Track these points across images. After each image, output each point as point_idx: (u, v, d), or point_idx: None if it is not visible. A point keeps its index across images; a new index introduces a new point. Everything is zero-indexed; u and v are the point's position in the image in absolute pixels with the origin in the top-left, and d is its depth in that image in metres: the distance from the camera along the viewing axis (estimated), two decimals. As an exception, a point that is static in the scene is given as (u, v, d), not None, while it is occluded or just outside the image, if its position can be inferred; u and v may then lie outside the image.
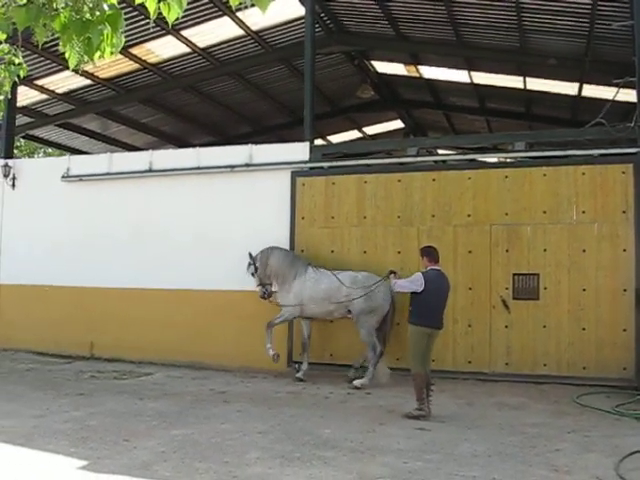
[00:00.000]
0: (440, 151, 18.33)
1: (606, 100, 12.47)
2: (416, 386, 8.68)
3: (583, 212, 11.21)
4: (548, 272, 11.28)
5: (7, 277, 14.97)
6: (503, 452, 6.93)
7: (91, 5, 3.62)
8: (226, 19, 15.22)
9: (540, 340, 11.18)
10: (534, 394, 10.20)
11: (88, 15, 3.63)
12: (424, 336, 8.71)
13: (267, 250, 11.76)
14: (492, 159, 13.79)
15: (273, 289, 11.69)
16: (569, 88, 16.99)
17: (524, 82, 17.33)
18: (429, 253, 9.06)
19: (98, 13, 3.61)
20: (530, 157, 12.01)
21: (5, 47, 5.00)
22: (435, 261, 8.96)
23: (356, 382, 10.77)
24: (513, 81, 17.61)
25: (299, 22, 15.65)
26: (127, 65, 17.26)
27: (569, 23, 13.41)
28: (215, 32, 16.04)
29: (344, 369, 11.53)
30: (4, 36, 4.75)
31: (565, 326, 11.10)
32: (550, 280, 11.25)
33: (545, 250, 11.32)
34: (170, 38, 15.88)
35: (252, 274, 11.80)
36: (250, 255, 11.78)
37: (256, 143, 13.55)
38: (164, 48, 16.59)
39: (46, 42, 4.18)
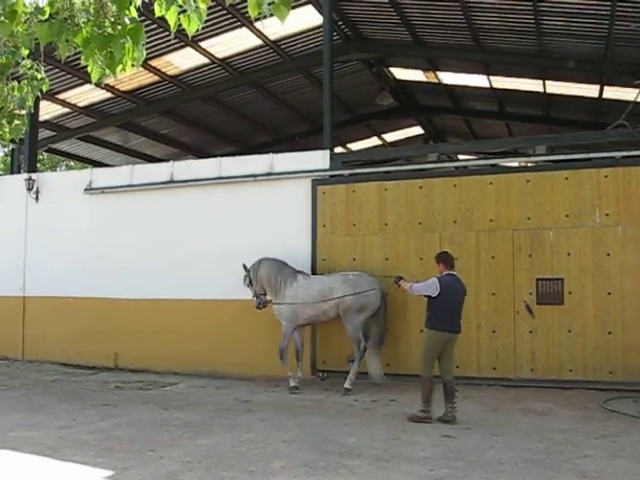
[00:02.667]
0: (461, 156, 18.24)
1: (628, 102, 12.37)
2: (423, 389, 8.77)
3: (607, 215, 11.10)
4: (572, 276, 11.18)
5: (32, 289, 15.12)
6: (530, 459, 6.87)
7: (112, 19, 3.66)
8: (244, 30, 15.32)
9: (565, 345, 11.08)
10: (560, 400, 10.10)
11: (110, 29, 3.67)
12: (440, 341, 8.75)
13: (258, 261, 11.94)
14: (513, 163, 13.69)
15: (268, 299, 11.84)
16: (589, 90, 16.89)
17: (544, 85, 17.24)
18: (444, 259, 9.12)
19: (120, 27, 3.65)
20: (552, 161, 11.92)
21: (28, 62, 5.06)
22: (451, 266, 9.04)
23: (345, 385, 10.90)
24: (532, 84, 17.53)
25: (317, 31, 15.73)
26: (147, 77, 17.43)
27: (588, 25, 13.32)
28: (233, 43, 16.15)
29: (365, 377, 11.47)
30: (27, 52, 4.80)
31: (591, 330, 10.99)
32: (574, 284, 11.15)
33: (569, 254, 11.22)
34: (189, 50, 16.02)
35: (247, 285, 11.99)
36: (244, 267, 11.94)
37: (276, 152, 13.59)
38: (183, 60, 16.74)
39: (68, 56, 4.23)
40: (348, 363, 11.50)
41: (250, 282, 11.89)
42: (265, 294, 11.82)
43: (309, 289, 11.48)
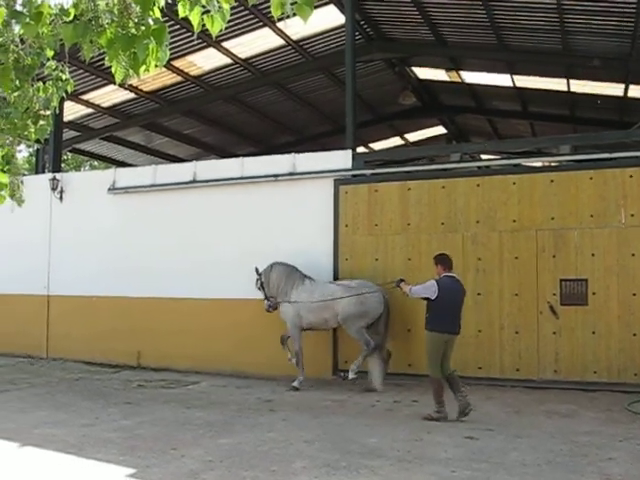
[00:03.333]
0: (483, 156, 18.15)
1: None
2: (434, 390, 8.88)
3: (632, 215, 10.98)
4: (597, 277, 11.07)
5: (56, 288, 15.26)
6: (553, 461, 6.81)
7: (136, 20, 3.67)
8: (266, 30, 15.34)
9: (589, 346, 10.97)
10: (584, 402, 10.00)
11: (134, 30, 3.68)
12: (441, 342, 8.87)
13: (270, 265, 12.09)
14: (537, 163, 13.58)
15: (278, 301, 11.96)
16: (615, 89, 16.71)
17: (568, 84, 17.09)
18: (442, 260, 9.26)
19: (143, 28, 3.66)
20: (576, 160, 11.82)
21: (52, 63, 5.10)
22: (449, 268, 9.16)
23: (350, 375, 11.05)
24: (556, 83, 17.39)
25: (339, 30, 15.71)
26: (170, 78, 17.52)
27: (613, 23, 13.18)
28: (256, 43, 16.19)
29: (390, 377, 11.45)
30: (51, 53, 4.84)
31: (615, 332, 10.88)
32: (599, 285, 11.04)
33: (593, 255, 11.12)
34: (212, 50, 16.09)
35: (258, 288, 12.13)
36: (257, 270, 12.08)
37: (298, 152, 13.59)
38: (206, 60, 16.81)
39: (91, 57, 4.26)
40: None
41: (262, 285, 12.05)
42: (275, 297, 11.94)
43: (312, 294, 11.61)
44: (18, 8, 4.21)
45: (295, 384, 11.41)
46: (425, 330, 9.03)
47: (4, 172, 5.32)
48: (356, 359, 11.21)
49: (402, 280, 9.77)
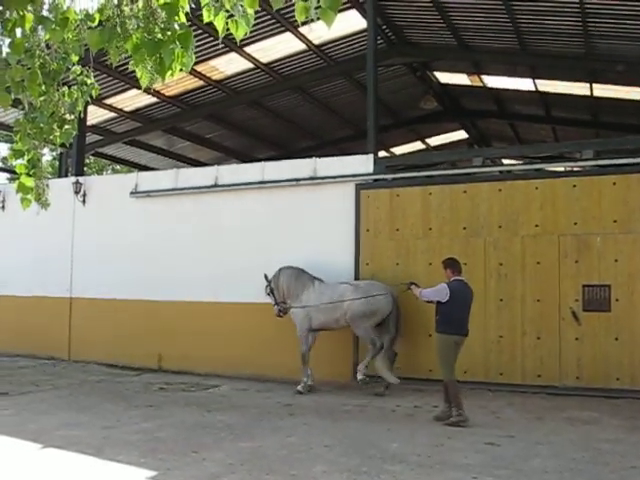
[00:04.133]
0: (505, 161, 18.06)
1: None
2: (451, 393, 8.97)
3: (656, 221, 10.88)
4: (620, 283, 10.97)
5: (78, 291, 15.38)
6: (575, 468, 6.75)
7: (162, 25, 3.70)
8: (288, 34, 15.39)
9: (613, 353, 10.87)
10: (607, 409, 9.90)
11: (160, 35, 3.71)
12: (452, 344, 9.02)
13: (278, 270, 12.20)
14: (559, 168, 13.49)
15: (289, 305, 12.06)
16: (639, 94, 16.56)
17: (591, 89, 16.96)
18: (452, 265, 9.41)
19: (169, 33, 3.69)
20: (599, 165, 11.72)
21: (77, 68, 5.15)
22: (458, 272, 9.34)
23: (358, 377, 11.22)
24: (579, 88, 17.26)
25: (360, 35, 15.71)
26: (192, 82, 17.63)
27: (637, 27, 13.07)
28: (277, 47, 16.25)
29: (411, 382, 11.42)
30: (76, 58, 4.90)
31: (639, 339, 10.76)
32: (622, 291, 10.94)
33: (616, 260, 11.02)
34: (234, 55, 16.18)
35: (268, 294, 12.24)
36: (265, 277, 12.20)
37: (319, 156, 13.61)
38: (228, 64, 16.90)
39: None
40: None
41: (271, 291, 12.17)
42: (285, 302, 12.04)
43: (322, 295, 11.71)
44: (44, 14, 4.26)
45: (299, 388, 11.47)
46: (436, 332, 9.21)
47: (30, 176, 5.38)
48: (364, 359, 11.35)
49: (413, 283, 9.96)
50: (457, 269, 9.33)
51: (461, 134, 24.58)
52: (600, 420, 9.18)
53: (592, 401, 10.41)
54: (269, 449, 7.44)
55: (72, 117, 5.29)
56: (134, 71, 4.11)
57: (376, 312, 11.33)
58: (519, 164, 14.85)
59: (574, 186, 11.40)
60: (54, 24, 4.22)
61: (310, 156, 13.89)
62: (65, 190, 15.35)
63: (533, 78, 17.25)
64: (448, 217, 12.16)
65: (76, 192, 15.50)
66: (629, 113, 18.44)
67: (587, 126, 20.28)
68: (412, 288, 9.77)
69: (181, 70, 3.89)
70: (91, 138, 20.04)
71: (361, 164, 12.99)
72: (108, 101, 18.17)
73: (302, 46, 16.31)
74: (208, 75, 17.29)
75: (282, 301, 12.06)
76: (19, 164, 5.44)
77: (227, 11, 3.80)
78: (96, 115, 18.87)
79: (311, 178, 13.22)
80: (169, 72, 3.81)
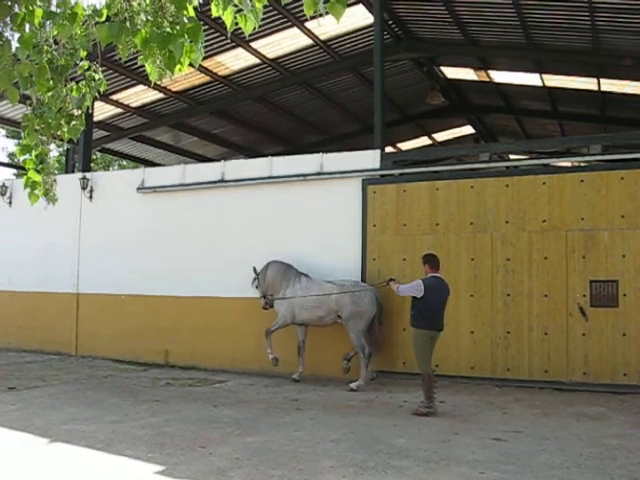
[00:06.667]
0: (512, 156, 18.01)
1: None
2: (425, 385, 9.30)
3: (664, 216, 10.84)
4: (627, 278, 10.94)
5: (86, 286, 15.42)
6: (582, 464, 6.74)
7: (171, 19, 3.70)
8: (295, 29, 15.37)
9: (620, 349, 10.85)
10: (614, 404, 9.89)
11: (169, 29, 3.71)
12: (426, 338, 9.33)
13: (267, 264, 12.45)
14: (567, 163, 13.45)
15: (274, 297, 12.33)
16: (647, 88, 16.51)
17: (598, 83, 16.89)
18: (430, 261, 9.68)
19: (178, 27, 3.69)
20: (606, 160, 11.68)
21: (85, 64, 5.15)
22: (436, 268, 9.59)
23: (352, 385, 11.21)
24: (587, 83, 17.20)
25: (367, 30, 15.69)
26: (198, 78, 17.63)
27: (646, 21, 13.01)
28: (284, 43, 16.22)
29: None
30: (84, 53, 4.90)
31: (646, 334, 10.75)
32: (630, 287, 10.91)
33: (624, 256, 10.99)
34: (240, 50, 16.16)
35: (256, 287, 12.56)
36: (254, 270, 12.50)
37: (326, 152, 13.59)
38: (234, 60, 16.89)
39: (121, 58, 4.30)
40: (343, 361, 11.88)
41: (259, 284, 12.45)
42: (272, 295, 12.28)
43: (307, 291, 11.91)
44: (53, 9, 4.26)
45: (295, 376, 11.97)
46: (412, 327, 9.54)
47: (38, 171, 5.39)
48: (360, 374, 11.44)
49: (392, 279, 10.24)
50: (435, 265, 9.58)
51: (468, 129, 24.51)
52: (607, 416, 9.17)
53: (599, 397, 10.41)
54: (276, 444, 7.45)
55: (80, 113, 5.29)
56: (141, 67, 4.14)
57: (364, 314, 11.51)
58: (526, 159, 14.79)
59: (581, 181, 11.37)
60: (62, 19, 4.22)
61: (317, 151, 13.88)
62: (72, 186, 15.37)
63: (540, 73, 17.19)
64: (455, 212, 12.14)
65: (83, 188, 15.53)
66: (637, 108, 18.36)
67: (594, 121, 20.19)
68: (390, 284, 10.06)
69: (190, 65, 3.89)
70: (98, 134, 20.06)
71: (368, 159, 12.98)
72: (115, 97, 18.17)
73: (309, 41, 16.27)
74: (214, 71, 17.28)
75: (270, 294, 12.31)
76: (27, 159, 5.45)
77: (235, 5, 3.80)
78: (103, 111, 18.90)
79: (318, 173, 13.21)
80: (178, 66, 3.81)
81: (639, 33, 13.59)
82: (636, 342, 10.77)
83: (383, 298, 11.85)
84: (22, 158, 5.52)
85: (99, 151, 24.00)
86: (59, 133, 5.28)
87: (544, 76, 17.35)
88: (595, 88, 17.24)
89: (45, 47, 4.68)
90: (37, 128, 5.22)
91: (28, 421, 8.49)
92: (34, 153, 5.40)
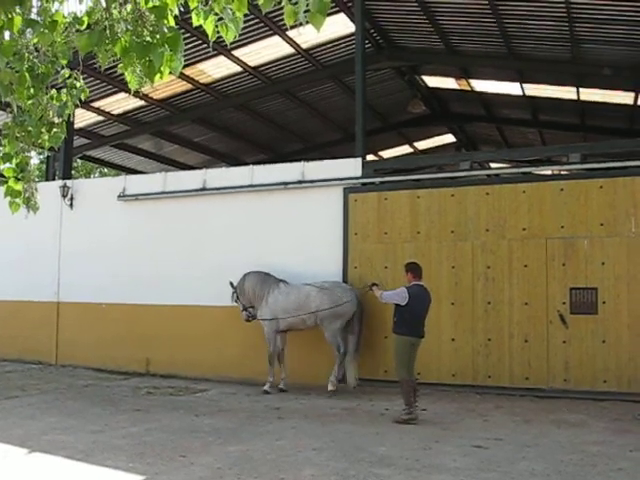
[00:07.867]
0: (493, 165, 18.13)
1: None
2: (403, 392, 9.37)
3: (642, 224, 10.95)
4: (606, 286, 11.03)
5: (66, 295, 15.30)
6: (563, 471, 6.77)
7: (151, 28, 3.69)
8: (276, 38, 15.41)
9: (599, 356, 10.93)
10: (594, 411, 9.95)
11: (148, 38, 3.70)
12: (408, 345, 9.39)
13: (243, 276, 12.46)
14: (547, 172, 13.56)
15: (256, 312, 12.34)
16: (625, 98, 16.68)
17: (577, 93, 17.07)
18: (413, 269, 9.76)
19: (158, 36, 3.69)
20: (586, 169, 11.80)
21: (66, 72, 5.14)
22: (419, 277, 9.66)
23: (329, 386, 11.39)
24: (566, 92, 17.37)
25: (349, 39, 15.77)
26: (180, 86, 17.61)
27: (623, 32, 13.16)
28: (266, 51, 16.26)
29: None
30: (65, 61, 4.89)
31: (625, 341, 10.83)
32: (609, 294, 11.00)
33: (603, 263, 11.08)
34: (222, 58, 16.18)
35: (235, 301, 12.51)
36: (231, 284, 12.44)
37: (307, 160, 13.62)
38: (216, 68, 16.91)
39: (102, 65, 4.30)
40: (333, 379, 11.73)
41: (238, 297, 12.43)
42: (253, 307, 12.28)
43: (288, 297, 11.95)
44: (33, 17, 4.25)
45: (266, 388, 11.79)
46: (393, 334, 9.57)
47: (18, 180, 5.35)
48: (332, 370, 11.54)
49: (375, 284, 10.30)
50: (418, 274, 9.64)
51: (449, 138, 24.67)
52: (587, 422, 9.22)
53: (579, 403, 10.47)
54: (257, 453, 7.43)
55: (61, 120, 5.27)
56: (122, 74, 4.11)
57: (342, 314, 11.55)
58: (507, 168, 14.91)
59: (561, 190, 11.47)
60: (43, 27, 4.21)
61: (299, 160, 13.89)
62: (52, 194, 15.27)
63: (520, 82, 17.34)
64: (436, 221, 12.19)
65: (63, 195, 15.43)
66: (616, 117, 18.57)
67: (574, 130, 20.39)
68: (374, 289, 10.11)
69: (170, 73, 3.90)
70: (79, 141, 19.94)
71: (349, 168, 13.01)
72: (96, 104, 18.10)
73: (290, 50, 16.32)
74: (196, 78, 17.28)
75: (250, 306, 12.30)
76: (7, 168, 5.41)
77: (216, 14, 3.80)
78: (84, 118, 18.81)
79: (299, 182, 13.23)
80: (158, 75, 3.80)
81: (617, 43, 13.77)
82: (615, 349, 10.86)
83: (365, 304, 11.85)
84: (2, 167, 5.49)
85: (80, 158, 23.89)
86: (40, 141, 5.25)
87: (525, 85, 17.51)
88: (575, 97, 17.41)
89: (26, 55, 4.66)
90: (18, 136, 5.20)
91: (7, 431, 8.41)
92: (14, 161, 5.37)
